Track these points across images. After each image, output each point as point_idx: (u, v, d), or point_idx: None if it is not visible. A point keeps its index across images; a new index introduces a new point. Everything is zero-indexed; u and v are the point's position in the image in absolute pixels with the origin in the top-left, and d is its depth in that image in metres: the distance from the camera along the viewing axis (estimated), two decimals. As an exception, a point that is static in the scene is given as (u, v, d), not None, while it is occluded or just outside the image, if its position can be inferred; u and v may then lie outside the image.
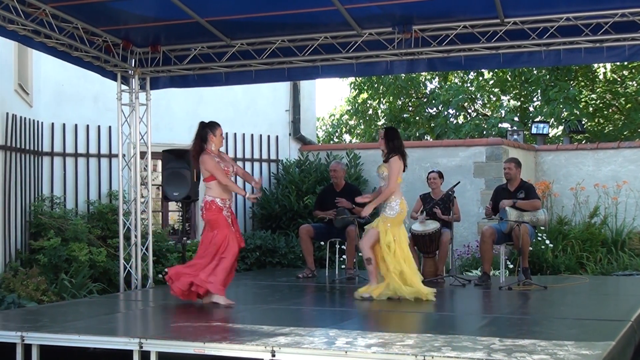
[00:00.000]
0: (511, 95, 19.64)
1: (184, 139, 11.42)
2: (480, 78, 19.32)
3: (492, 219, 8.55)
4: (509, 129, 15.81)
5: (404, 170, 7.46)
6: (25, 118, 9.44)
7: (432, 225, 8.77)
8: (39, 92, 10.24)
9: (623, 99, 18.62)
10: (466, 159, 11.65)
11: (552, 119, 16.56)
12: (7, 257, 8.61)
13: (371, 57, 8.49)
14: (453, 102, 18.07)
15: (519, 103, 19.33)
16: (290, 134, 12.76)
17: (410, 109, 20.78)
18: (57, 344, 5.31)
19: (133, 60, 9.01)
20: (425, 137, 19.65)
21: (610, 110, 19.45)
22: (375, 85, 19.59)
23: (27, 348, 5.32)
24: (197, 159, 7.07)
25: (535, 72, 17.28)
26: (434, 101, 19.17)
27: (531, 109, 18.96)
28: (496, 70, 17.83)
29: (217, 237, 6.88)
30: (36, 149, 9.91)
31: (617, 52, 7.84)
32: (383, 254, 7.19)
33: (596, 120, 19.06)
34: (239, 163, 12.22)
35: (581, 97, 18.25)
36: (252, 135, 12.40)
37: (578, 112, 16.49)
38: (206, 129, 7.08)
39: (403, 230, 7.41)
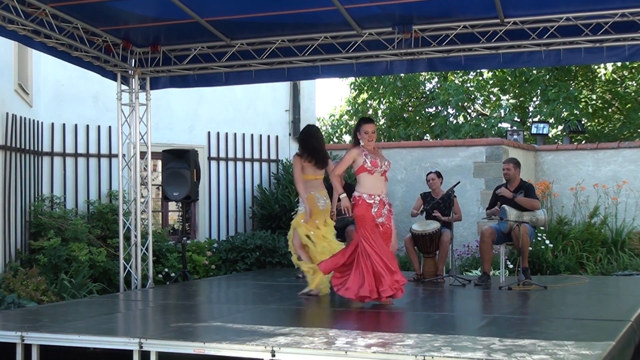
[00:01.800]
0: (511, 95, 19.63)
1: (184, 139, 11.51)
2: (480, 78, 19.31)
3: (492, 218, 8.55)
4: (509, 129, 15.79)
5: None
6: (25, 118, 9.44)
7: (432, 225, 8.78)
8: (39, 92, 10.24)
9: (623, 99, 18.61)
10: (466, 159, 11.64)
11: (552, 119, 16.55)
12: (7, 257, 8.61)
13: (371, 57, 8.49)
14: (452, 102, 18.07)
15: (518, 103, 19.31)
16: (290, 134, 12.75)
17: (410, 108, 20.78)
18: (57, 344, 5.31)
19: (133, 60, 9.01)
20: (425, 137, 19.66)
21: (610, 110, 19.44)
22: (375, 86, 19.58)
23: (27, 348, 5.32)
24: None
25: (534, 72, 17.26)
26: (433, 101, 19.16)
27: (531, 108, 18.95)
28: (496, 70, 17.83)
29: (356, 236, 6.83)
30: (36, 149, 9.91)
31: (617, 52, 7.83)
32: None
33: (596, 120, 19.05)
34: (239, 163, 12.25)
35: (581, 97, 18.23)
36: (252, 135, 12.40)
37: (578, 112, 16.48)
38: (356, 126, 7.02)
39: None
